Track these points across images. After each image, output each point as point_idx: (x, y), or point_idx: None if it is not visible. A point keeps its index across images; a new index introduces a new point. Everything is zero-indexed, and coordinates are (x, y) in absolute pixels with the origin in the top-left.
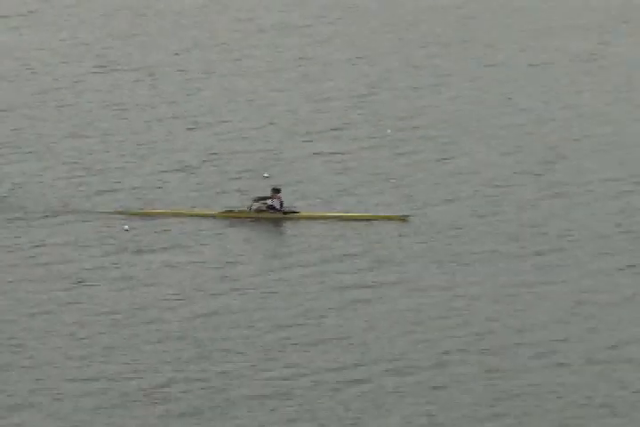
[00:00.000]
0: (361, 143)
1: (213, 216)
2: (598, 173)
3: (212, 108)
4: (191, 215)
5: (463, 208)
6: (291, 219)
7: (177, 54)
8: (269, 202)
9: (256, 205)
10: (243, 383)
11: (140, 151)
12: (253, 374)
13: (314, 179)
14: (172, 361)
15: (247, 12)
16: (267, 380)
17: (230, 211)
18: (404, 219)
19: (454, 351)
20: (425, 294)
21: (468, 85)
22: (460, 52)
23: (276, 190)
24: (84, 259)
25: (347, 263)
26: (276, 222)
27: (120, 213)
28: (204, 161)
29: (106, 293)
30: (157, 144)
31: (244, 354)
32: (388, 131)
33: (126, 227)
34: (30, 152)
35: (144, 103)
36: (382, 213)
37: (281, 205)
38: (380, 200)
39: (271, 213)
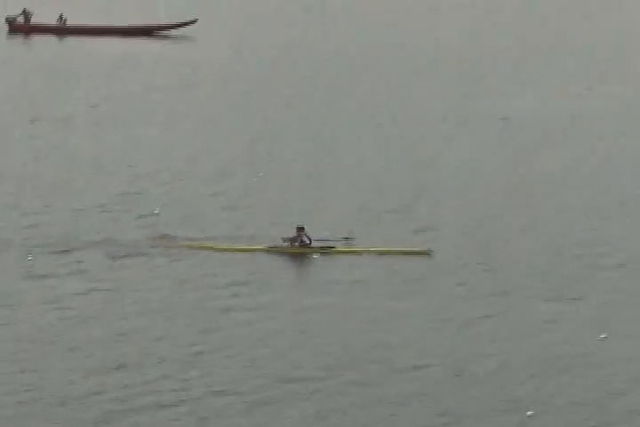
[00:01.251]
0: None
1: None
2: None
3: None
4: (239, 251)
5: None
6: (325, 253)
7: (92, 107)
8: (300, 240)
9: (288, 244)
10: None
11: (56, 192)
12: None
13: (203, 215)
14: None
15: (147, 73)
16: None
17: (274, 247)
18: (428, 253)
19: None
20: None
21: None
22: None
23: (301, 228)
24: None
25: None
26: (309, 255)
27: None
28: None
29: None
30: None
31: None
32: (156, 210)
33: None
34: None
35: (63, 150)
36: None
37: (310, 240)
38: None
39: (307, 248)
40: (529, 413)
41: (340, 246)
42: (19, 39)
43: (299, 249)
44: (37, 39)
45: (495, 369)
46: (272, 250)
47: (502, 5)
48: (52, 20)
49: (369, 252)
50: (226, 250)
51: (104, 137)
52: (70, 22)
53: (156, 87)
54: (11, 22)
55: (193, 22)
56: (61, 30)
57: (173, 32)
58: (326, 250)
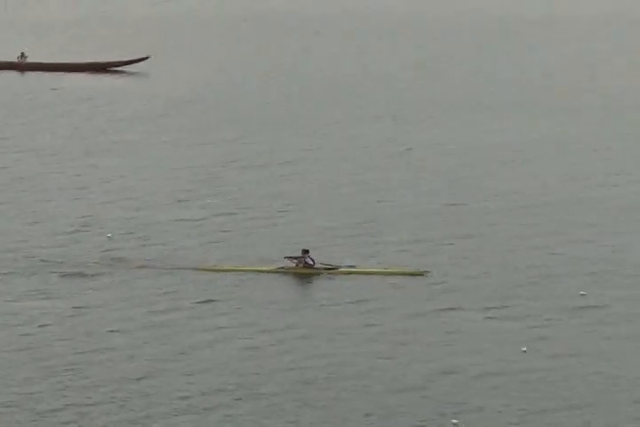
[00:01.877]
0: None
1: (268, 272)
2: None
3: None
4: (249, 271)
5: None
6: (328, 273)
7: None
8: (304, 260)
9: (293, 262)
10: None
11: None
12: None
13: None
14: None
15: (102, 107)
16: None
17: (281, 268)
18: (422, 274)
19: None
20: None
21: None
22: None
23: (306, 251)
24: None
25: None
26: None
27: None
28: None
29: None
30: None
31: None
32: (109, 235)
33: None
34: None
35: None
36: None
37: (313, 261)
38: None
39: (311, 269)
40: (454, 421)
41: (342, 268)
42: None
43: (303, 270)
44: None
45: (425, 380)
46: (280, 271)
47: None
48: (13, 58)
49: (369, 273)
50: (231, 270)
51: (64, 167)
52: (31, 59)
53: (112, 120)
54: None
55: (145, 59)
56: (22, 67)
57: (127, 68)
58: (329, 271)
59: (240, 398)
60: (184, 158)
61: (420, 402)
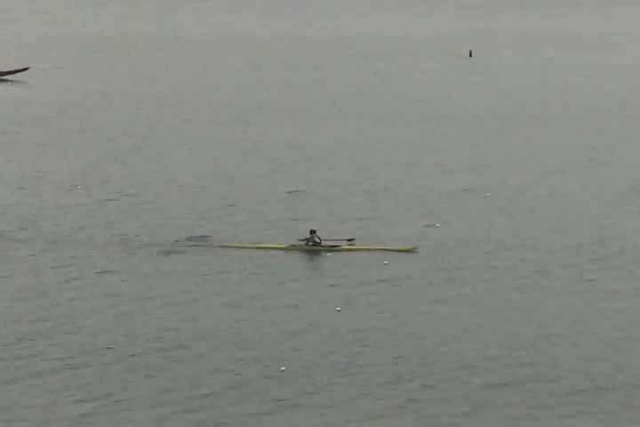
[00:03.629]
0: None
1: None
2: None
3: None
4: (262, 248)
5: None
6: (331, 250)
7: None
8: (313, 239)
9: (304, 242)
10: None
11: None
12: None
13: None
14: None
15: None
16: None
17: (293, 245)
18: (411, 250)
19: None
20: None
21: None
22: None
23: (313, 231)
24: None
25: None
26: (321, 252)
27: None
28: None
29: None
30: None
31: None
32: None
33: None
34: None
35: None
36: (393, 246)
37: (320, 240)
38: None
39: (317, 247)
40: (282, 368)
41: (342, 246)
42: None
43: (311, 247)
44: None
45: (264, 336)
46: (291, 248)
47: None
48: None
49: (366, 250)
50: (251, 248)
51: None
52: None
53: None
54: None
55: (25, 69)
56: None
57: (9, 77)
58: (332, 248)
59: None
60: (67, 160)
61: (257, 355)
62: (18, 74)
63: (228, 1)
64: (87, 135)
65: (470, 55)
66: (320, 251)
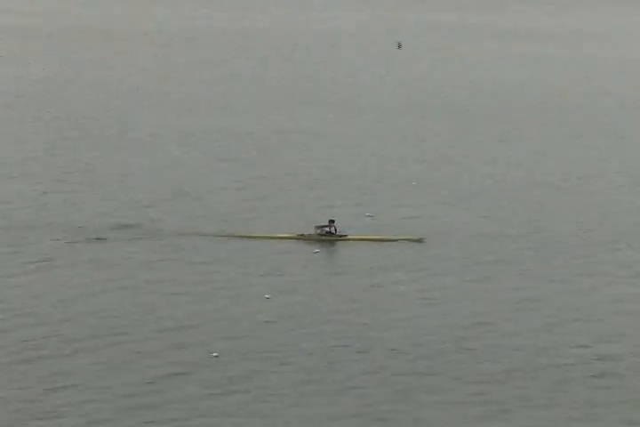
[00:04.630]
0: None
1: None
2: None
3: None
4: (273, 238)
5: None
6: (342, 240)
7: None
8: (328, 229)
9: (319, 231)
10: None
11: None
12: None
13: None
14: None
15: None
16: None
17: (302, 235)
18: (420, 240)
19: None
20: None
21: None
22: None
23: (332, 221)
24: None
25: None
26: (333, 242)
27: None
28: None
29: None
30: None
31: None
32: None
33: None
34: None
35: None
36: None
37: (335, 230)
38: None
39: (329, 237)
40: (214, 354)
41: (352, 236)
42: None
43: (325, 237)
44: None
45: (193, 325)
46: (300, 238)
47: None
48: None
49: (375, 240)
50: (265, 237)
51: None
52: None
53: None
54: None
55: None
56: None
57: None
58: (343, 238)
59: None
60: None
61: (189, 341)
62: None
63: None
64: (38, 124)
65: (399, 47)
66: (329, 240)
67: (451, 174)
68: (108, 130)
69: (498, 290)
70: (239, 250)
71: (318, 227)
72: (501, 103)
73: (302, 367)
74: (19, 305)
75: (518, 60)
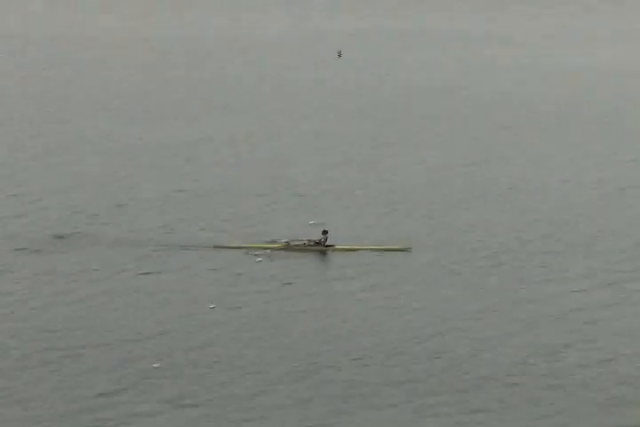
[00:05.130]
0: None
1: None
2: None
3: None
4: (259, 248)
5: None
6: (329, 250)
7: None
8: (316, 240)
9: (306, 242)
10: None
11: None
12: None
13: None
14: None
15: None
16: None
17: (287, 244)
18: (407, 250)
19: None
20: None
21: None
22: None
23: (325, 231)
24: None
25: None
26: (321, 252)
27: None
28: None
29: None
30: None
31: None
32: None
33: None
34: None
35: None
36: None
37: (326, 240)
38: None
39: (316, 247)
40: (155, 365)
41: (339, 245)
42: None
43: (311, 247)
44: None
45: (127, 335)
46: (286, 247)
47: None
48: None
49: (362, 249)
50: (257, 247)
51: None
52: None
53: None
54: None
55: None
56: None
57: None
58: (330, 248)
59: None
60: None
61: (131, 353)
62: None
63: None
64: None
65: (339, 56)
66: (314, 250)
67: (390, 181)
68: (43, 139)
69: (460, 300)
70: (181, 260)
71: (311, 240)
72: (444, 107)
73: (254, 379)
74: None
75: (460, 64)
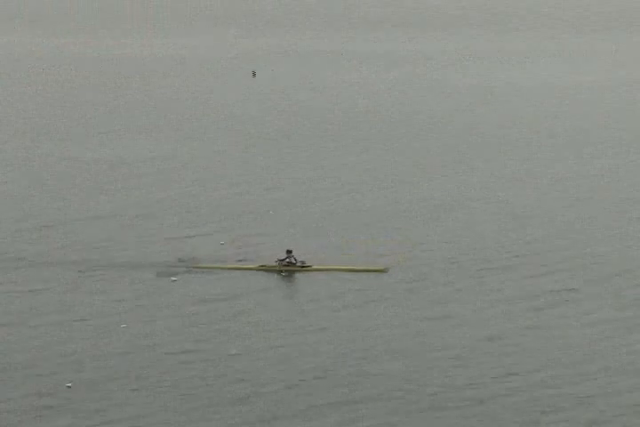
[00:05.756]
0: None
1: (251, 269)
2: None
3: None
4: (235, 269)
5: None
6: (304, 271)
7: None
8: (288, 260)
9: (279, 262)
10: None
11: None
12: None
13: None
14: None
15: None
16: None
17: (264, 265)
18: (383, 270)
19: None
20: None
21: None
22: None
23: (289, 251)
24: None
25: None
26: (294, 272)
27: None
28: None
29: None
30: None
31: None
32: None
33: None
34: None
35: None
36: (365, 266)
37: (295, 260)
38: None
39: (291, 267)
40: (68, 384)
41: (315, 266)
42: None
43: (285, 267)
44: None
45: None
46: (261, 269)
47: None
48: None
49: (338, 270)
50: (228, 268)
51: None
52: None
53: None
54: None
55: None
56: None
57: None
58: (305, 268)
59: None
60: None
61: (44, 372)
62: None
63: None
64: None
65: (254, 75)
66: (293, 271)
67: (308, 200)
68: None
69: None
70: (103, 280)
71: (279, 260)
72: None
73: (170, 396)
74: None
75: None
